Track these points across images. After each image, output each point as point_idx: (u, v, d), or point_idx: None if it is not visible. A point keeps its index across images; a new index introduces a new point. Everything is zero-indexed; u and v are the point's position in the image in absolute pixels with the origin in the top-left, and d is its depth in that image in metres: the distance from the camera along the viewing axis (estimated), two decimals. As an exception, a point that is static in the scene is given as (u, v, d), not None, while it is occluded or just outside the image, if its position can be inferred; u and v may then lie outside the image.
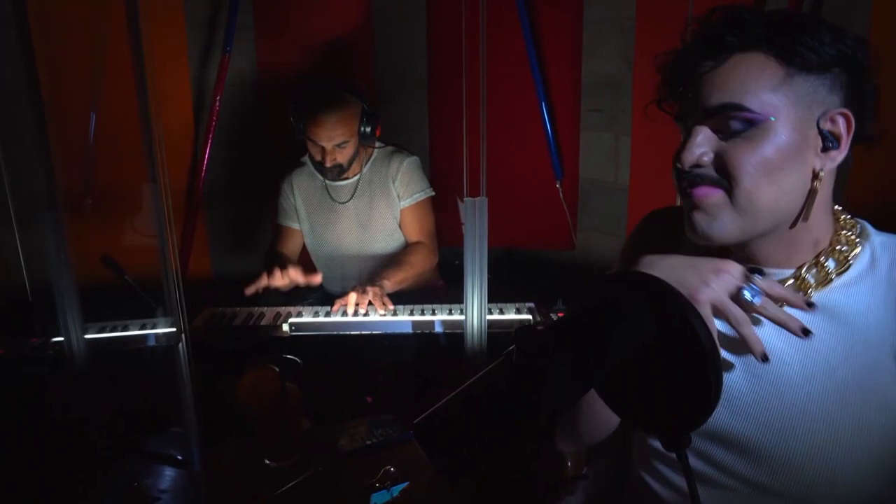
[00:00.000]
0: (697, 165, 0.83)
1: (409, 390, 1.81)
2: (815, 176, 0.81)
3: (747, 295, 0.80)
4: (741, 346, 0.83)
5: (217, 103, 2.77)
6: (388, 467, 1.28)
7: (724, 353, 0.89)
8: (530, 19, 2.90)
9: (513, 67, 2.95)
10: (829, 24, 0.80)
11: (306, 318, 1.94)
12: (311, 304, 2.14)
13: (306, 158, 2.32)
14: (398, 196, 2.31)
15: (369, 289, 2.01)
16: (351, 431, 1.46)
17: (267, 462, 1.35)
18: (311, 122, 2.13)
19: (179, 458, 1.36)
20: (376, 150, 2.33)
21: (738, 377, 0.88)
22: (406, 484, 1.25)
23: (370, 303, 1.99)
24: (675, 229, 0.94)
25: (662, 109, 0.91)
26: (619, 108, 2.95)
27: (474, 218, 1.51)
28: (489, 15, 1.57)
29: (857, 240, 0.86)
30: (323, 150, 2.15)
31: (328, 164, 2.17)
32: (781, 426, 0.85)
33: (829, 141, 0.80)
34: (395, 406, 1.65)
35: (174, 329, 1.19)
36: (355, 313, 1.97)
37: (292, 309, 2.05)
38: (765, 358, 0.80)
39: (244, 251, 3.09)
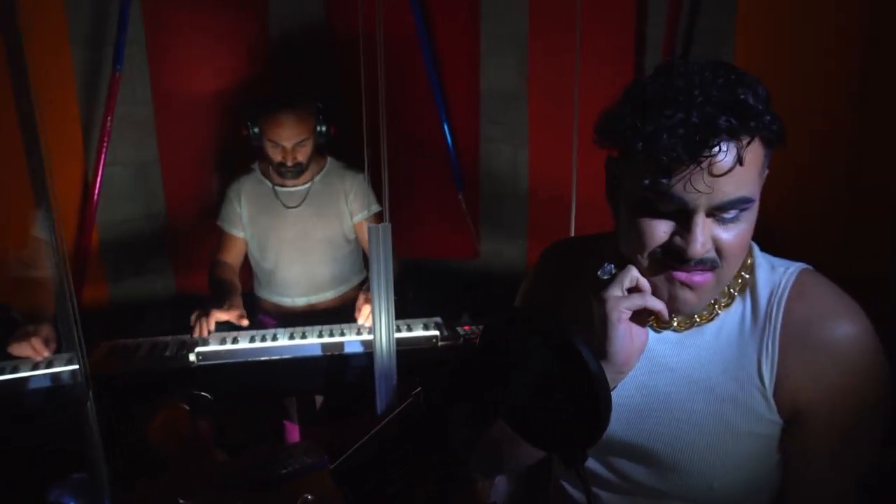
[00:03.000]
0: None
1: (322, 413, 1.82)
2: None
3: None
4: (638, 369, 0.91)
5: (108, 123, 2.66)
6: (306, 495, 1.30)
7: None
8: (428, 33, 2.97)
9: (412, 78, 3.00)
10: (762, 90, 0.82)
11: (213, 347, 1.92)
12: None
13: (255, 165, 2.37)
14: (350, 212, 2.37)
15: None
16: (265, 462, 1.46)
17: (181, 501, 1.33)
18: (271, 123, 2.20)
19: None
20: (329, 163, 2.39)
21: (632, 393, 0.96)
22: (324, 511, 1.27)
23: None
24: (579, 265, 1.01)
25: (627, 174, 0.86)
26: (517, 121, 3.06)
27: (379, 243, 1.55)
28: (386, 25, 1.60)
29: (750, 255, 0.94)
30: (283, 149, 2.21)
31: (290, 164, 2.23)
32: (669, 436, 0.93)
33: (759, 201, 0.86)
34: (306, 432, 1.66)
35: (79, 382, 1.15)
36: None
37: (197, 337, 2.01)
38: (663, 318, 0.88)
39: (143, 276, 2.99)
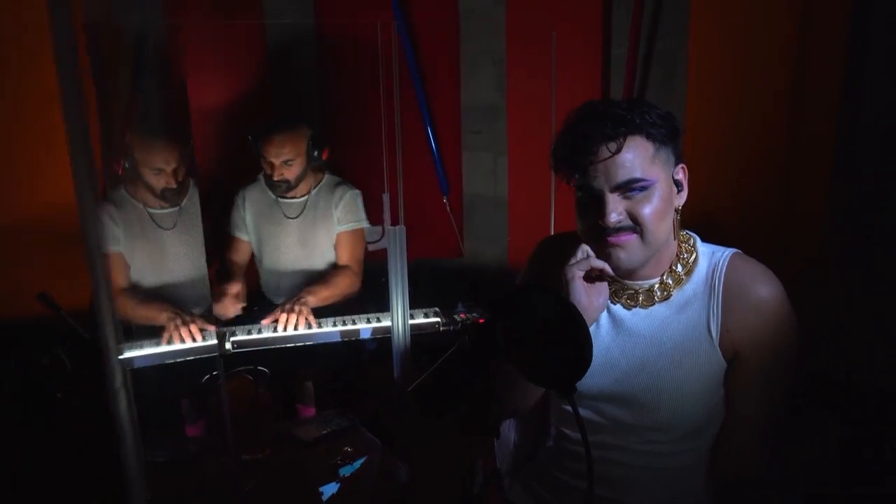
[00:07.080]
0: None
1: (343, 389, 2.11)
2: (676, 211, 1.22)
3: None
4: (619, 338, 1.25)
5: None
6: (346, 448, 1.60)
7: (610, 343, 1.27)
8: (413, 53, 3.24)
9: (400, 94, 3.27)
10: (662, 110, 1.19)
11: (247, 336, 2.19)
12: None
13: (260, 176, 2.58)
14: (337, 221, 2.60)
15: (295, 306, 2.28)
16: (307, 426, 1.75)
17: (244, 457, 1.61)
18: (264, 141, 2.43)
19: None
20: (325, 178, 2.62)
21: (617, 356, 1.28)
22: (364, 458, 1.57)
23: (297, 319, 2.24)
24: (562, 252, 1.30)
25: (564, 180, 1.22)
26: (496, 131, 3.35)
27: (395, 243, 1.85)
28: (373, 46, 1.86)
29: (693, 248, 1.27)
30: (272, 164, 2.44)
31: (276, 178, 2.45)
32: (646, 384, 1.25)
33: (679, 186, 1.21)
34: (331, 405, 1.94)
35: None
36: (284, 328, 2.23)
37: (226, 329, 2.26)
38: (608, 274, 1.20)
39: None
